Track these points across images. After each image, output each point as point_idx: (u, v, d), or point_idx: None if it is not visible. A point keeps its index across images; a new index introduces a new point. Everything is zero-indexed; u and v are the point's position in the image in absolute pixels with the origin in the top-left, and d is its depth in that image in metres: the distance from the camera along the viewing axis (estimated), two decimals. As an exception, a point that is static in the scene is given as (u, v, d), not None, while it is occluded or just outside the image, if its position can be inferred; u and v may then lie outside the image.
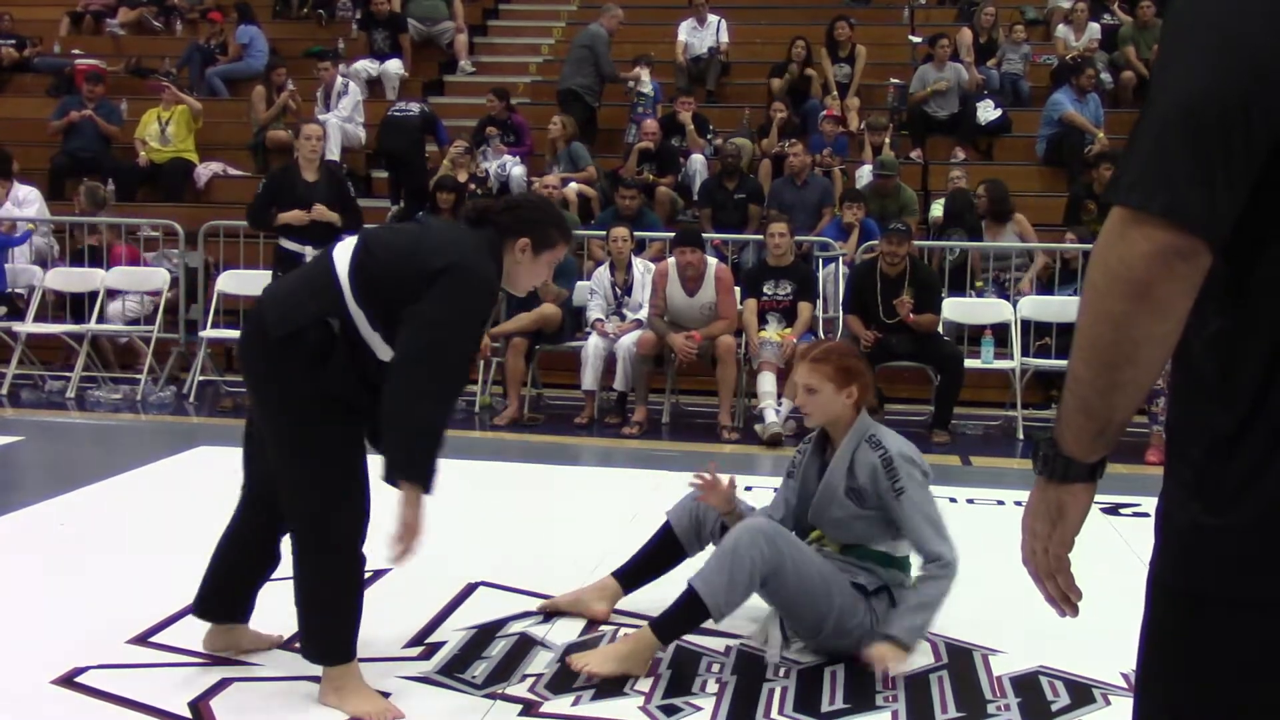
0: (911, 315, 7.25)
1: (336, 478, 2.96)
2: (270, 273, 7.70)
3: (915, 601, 3.35)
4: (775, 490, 3.71)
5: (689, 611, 3.22)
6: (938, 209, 9.48)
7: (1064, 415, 1.39)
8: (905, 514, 3.33)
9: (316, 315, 2.90)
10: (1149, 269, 1.25)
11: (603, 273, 7.86)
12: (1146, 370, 1.31)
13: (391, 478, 2.80)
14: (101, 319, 8.67)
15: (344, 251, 2.99)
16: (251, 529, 3.28)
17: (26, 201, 9.35)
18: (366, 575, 4.06)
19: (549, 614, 3.74)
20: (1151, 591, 1.40)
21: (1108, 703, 3.20)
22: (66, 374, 8.41)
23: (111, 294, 8.83)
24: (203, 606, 3.32)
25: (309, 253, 7.38)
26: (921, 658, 3.46)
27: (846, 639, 3.38)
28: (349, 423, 2.95)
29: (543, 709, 3.09)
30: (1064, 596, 1.48)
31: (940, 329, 7.62)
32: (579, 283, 8.07)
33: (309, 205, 7.41)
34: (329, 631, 3.06)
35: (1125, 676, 3.28)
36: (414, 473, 2.79)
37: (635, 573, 3.75)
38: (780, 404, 7.17)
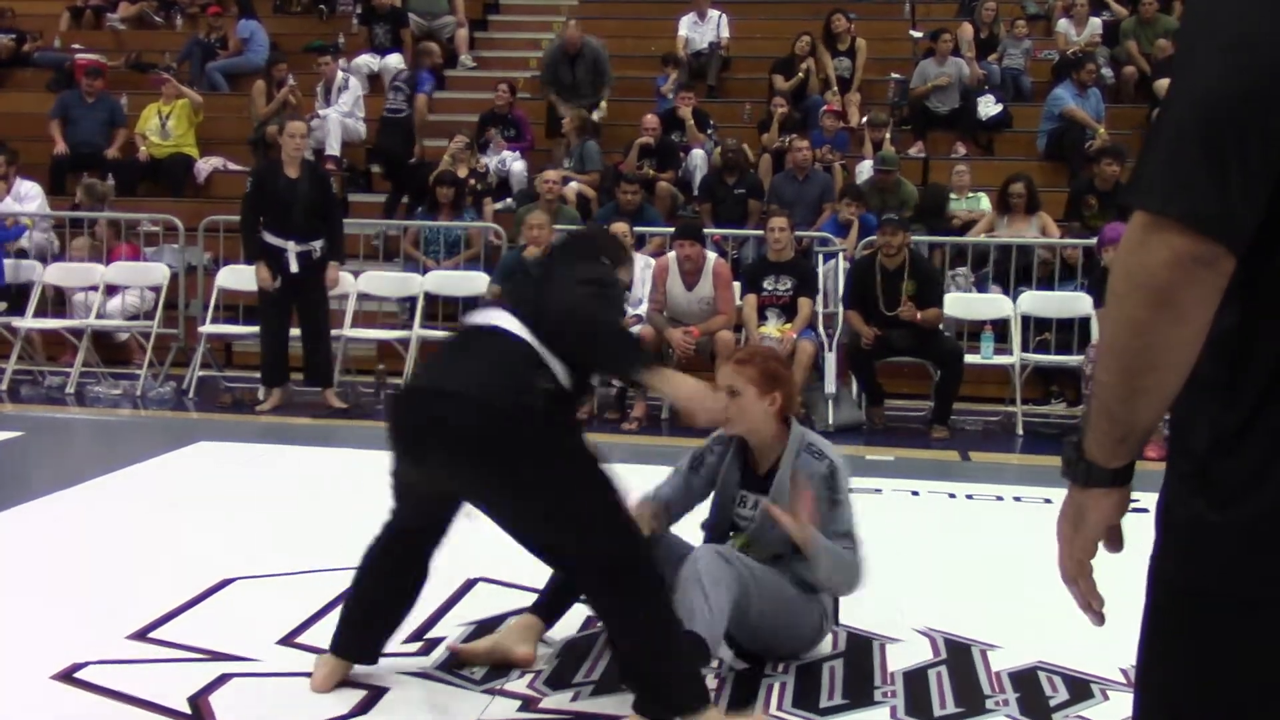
0: (919, 315, 7.25)
1: (615, 508, 2.86)
2: (253, 268, 7.52)
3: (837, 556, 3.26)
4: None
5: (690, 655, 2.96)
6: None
7: (1089, 420, 1.39)
8: (837, 523, 3.27)
9: (536, 382, 2.84)
10: (1170, 276, 1.24)
11: None
12: (1170, 376, 1.30)
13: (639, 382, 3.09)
14: (102, 315, 8.68)
15: (509, 319, 2.94)
16: (395, 563, 3.17)
17: (28, 197, 9.35)
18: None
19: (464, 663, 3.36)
20: (1152, 587, 1.40)
21: (1106, 698, 3.20)
22: (66, 369, 8.41)
23: (111, 290, 8.83)
24: (342, 644, 3.17)
25: (291, 247, 7.32)
26: (920, 653, 3.46)
27: (800, 639, 3.36)
28: (588, 448, 2.91)
29: (541, 705, 3.09)
30: (1087, 603, 1.47)
31: (940, 324, 7.63)
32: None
33: (290, 202, 7.37)
34: (679, 675, 2.82)
35: (1124, 672, 3.28)
36: (646, 370, 2.98)
37: (553, 603, 3.42)
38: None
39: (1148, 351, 1.28)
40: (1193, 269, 1.23)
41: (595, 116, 10.62)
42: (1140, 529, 1.44)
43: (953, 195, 9.37)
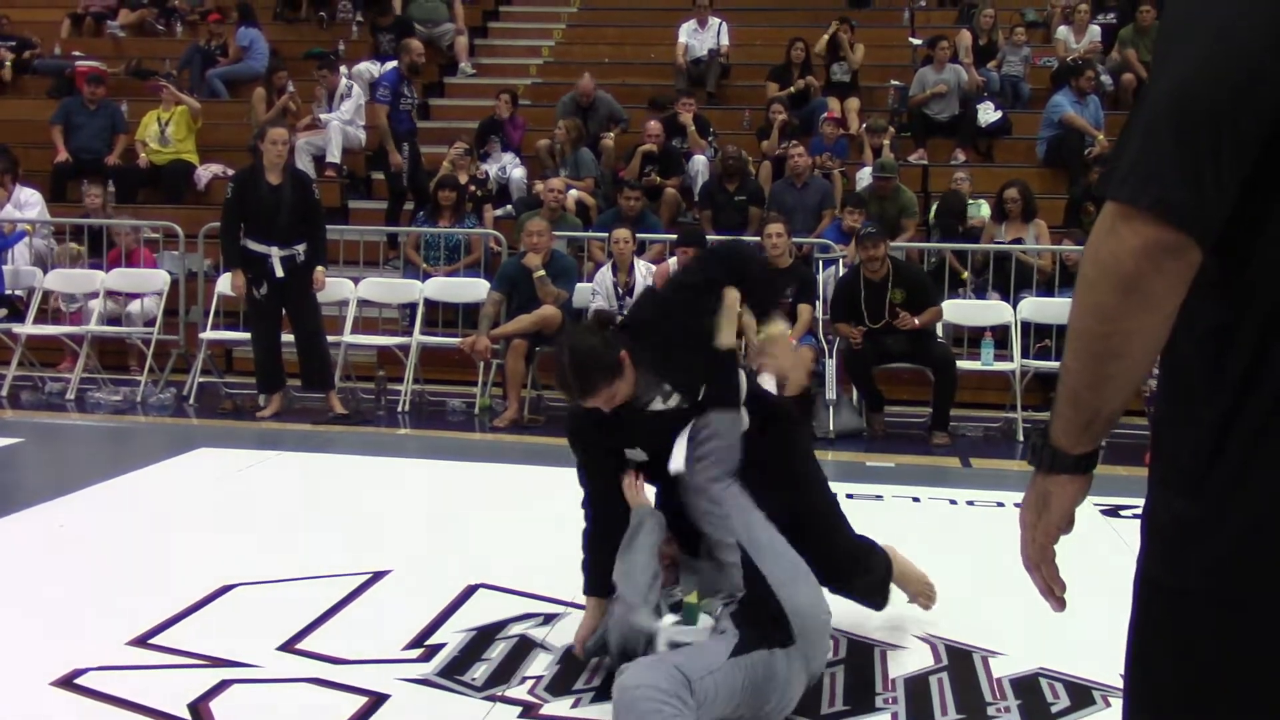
0: (917, 321, 7.25)
1: None
2: (238, 275, 7.44)
3: None
4: None
5: None
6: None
7: (1055, 407, 1.41)
8: None
9: None
10: (1138, 264, 1.26)
11: (605, 273, 7.86)
12: (1135, 363, 1.31)
13: None
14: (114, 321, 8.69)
15: None
16: None
17: (28, 204, 9.35)
18: (366, 577, 4.09)
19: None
20: (1138, 588, 1.41)
21: (1108, 704, 3.20)
22: (65, 376, 8.41)
23: (124, 296, 8.82)
24: None
25: (275, 253, 7.32)
26: (922, 659, 3.46)
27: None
28: None
29: (542, 711, 3.09)
30: (1049, 589, 1.47)
31: (939, 331, 7.62)
32: (580, 284, 8.07)
33: (274, 208, 7.36)
34: None
35: (1125, 679, 3.27)
36: None
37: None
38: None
39: (1115, 338, 1.30)
40: (1161, 258, 1.25)
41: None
42: (1139, 535, 1.44)
43: (953, 202, 9.38)
